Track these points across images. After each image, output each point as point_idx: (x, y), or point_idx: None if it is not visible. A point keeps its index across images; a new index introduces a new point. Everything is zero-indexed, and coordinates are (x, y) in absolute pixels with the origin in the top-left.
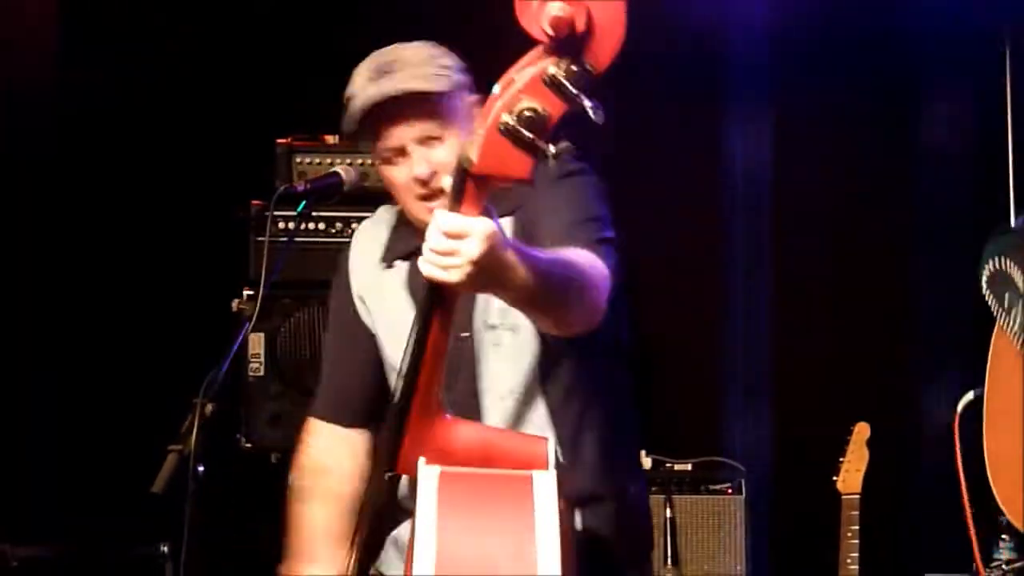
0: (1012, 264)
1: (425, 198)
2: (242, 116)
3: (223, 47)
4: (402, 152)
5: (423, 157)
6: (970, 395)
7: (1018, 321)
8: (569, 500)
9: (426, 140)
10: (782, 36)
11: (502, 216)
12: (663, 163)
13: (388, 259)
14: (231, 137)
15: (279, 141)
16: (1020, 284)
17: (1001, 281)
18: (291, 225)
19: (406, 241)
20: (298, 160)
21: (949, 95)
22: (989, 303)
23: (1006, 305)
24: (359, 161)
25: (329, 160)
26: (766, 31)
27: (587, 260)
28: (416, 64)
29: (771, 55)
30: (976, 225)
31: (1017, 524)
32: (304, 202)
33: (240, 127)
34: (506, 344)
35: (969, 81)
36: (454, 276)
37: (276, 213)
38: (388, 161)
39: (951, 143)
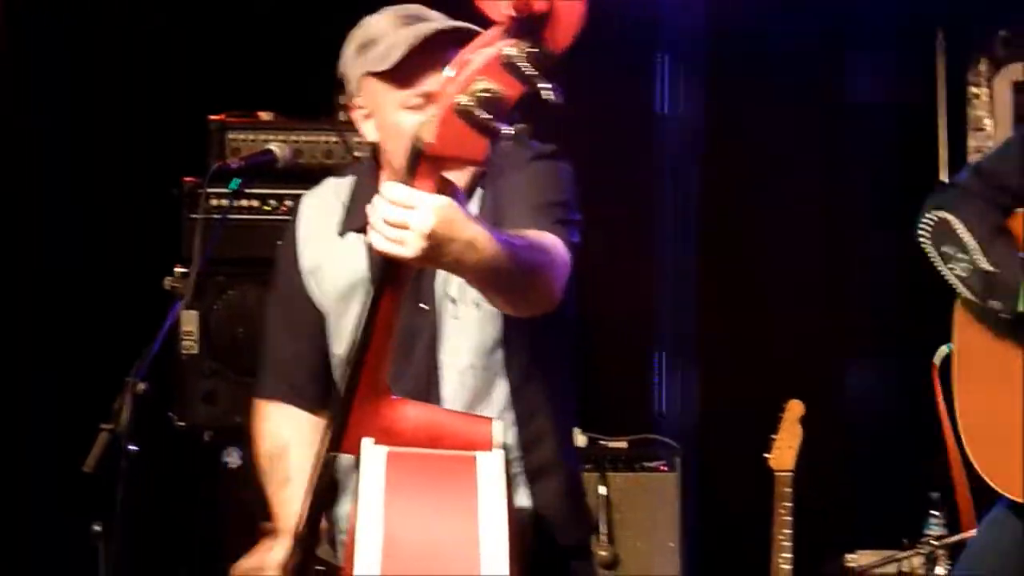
0: (948, 214)
1: None
2: (176, 93)
3: (157, 23)
4: (431, 98)
5: None
6: (945, 349)
7: (958, 273)
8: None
9: None
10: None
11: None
12: (593, 128)
13: (345, 230)
14: (165, 114)
15: (212, 118)
16: (961, 235)
17: (941, 233)
18: (225, 202)
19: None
20: (231, 137)
21: (878, 65)
22: (929, 255)
23: (945, 255)
24: (293, 138)
25: (263, 137)
26: None
27: (549, 242)
28: (443, 16)
29: (706, 16)
30: (905, 192)
31: (1007, 492)
32: (238, 179)
33: (174, 104)
34: (467, 318)
35: (893, 53)
36: (406, 249)
37: (209, 190)
38: (413, 108)
39: (880, 111)
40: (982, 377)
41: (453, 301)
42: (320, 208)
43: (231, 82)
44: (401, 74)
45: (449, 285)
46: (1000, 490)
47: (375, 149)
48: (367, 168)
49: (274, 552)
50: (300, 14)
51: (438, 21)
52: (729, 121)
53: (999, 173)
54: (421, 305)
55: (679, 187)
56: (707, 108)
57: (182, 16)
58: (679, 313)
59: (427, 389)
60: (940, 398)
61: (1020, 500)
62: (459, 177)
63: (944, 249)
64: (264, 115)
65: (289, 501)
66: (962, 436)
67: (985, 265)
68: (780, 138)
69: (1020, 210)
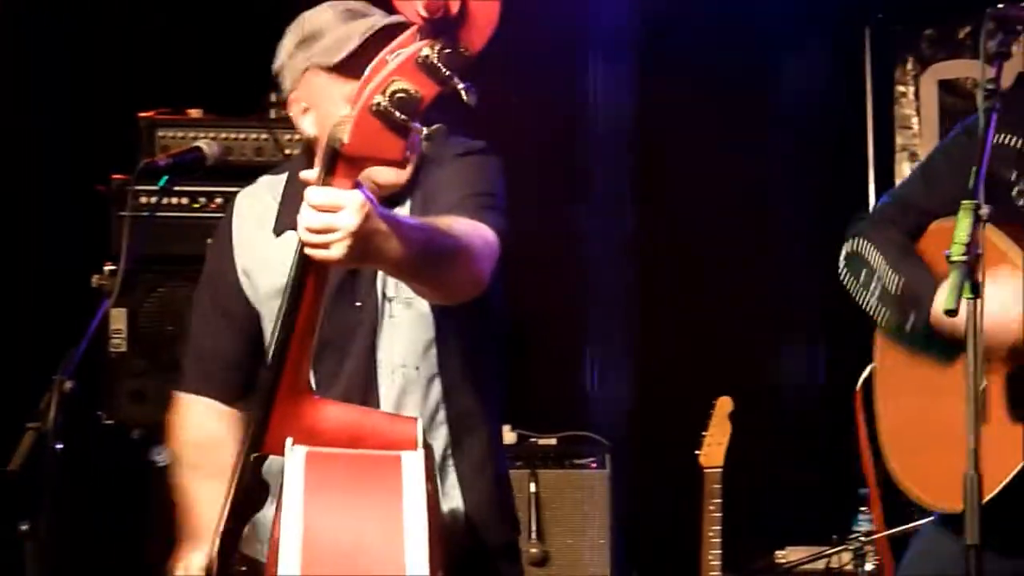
0: (867, 244)
1: None
2: (106, 90)
3: (87, 19)
4: None
5: None
6: (868, 370)
7: (873, 299)
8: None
9: None
10: None
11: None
12: (523, 119)
13: (279, 229)
14: (94, 111)
15: (141, 115)
16: (871, 260)
17: (855, 263)
18: (153, 200)
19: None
20: (161, 134)
21: (807, 62)
22: (849, 289)
23: (862, 283)
24: (222, 135)
25: (192, 134)
26: None
27: (469, 226)
28: (382, 12)
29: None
30: (834, 191)
31: (926, 501)
32: (166, 176)
33: (103, 101)
34: (401, 317)
35: (822, 50)
36: (335, 251)
37: (138, 188)
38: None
39: (810, 108)
40: (903, 397)
41: (388, 299)
42: (255, 206)
43: (161, 79)
44: (349, 68)
45: (385, 284)
46: (928, 506)
47: (308, 145)
48: (301, 164)
49: (194, 557)
50: (231, 11)
51: (379, 16)
52: (659, 111)
53: (910, 198)
54: (356, 304)
55: (609, 179)
56: (636, 98)
57: (111, 13)
58: (610, 308)
59: (364, 388)
60: (861, 421)
61: (949, 511)
62: (404, 174)
63: (860, 278)
64: (194, 112)
65: (203, 498)
66: (886, 455)
67: (893, 286)
68: (709, 130)
69: (934, 224)
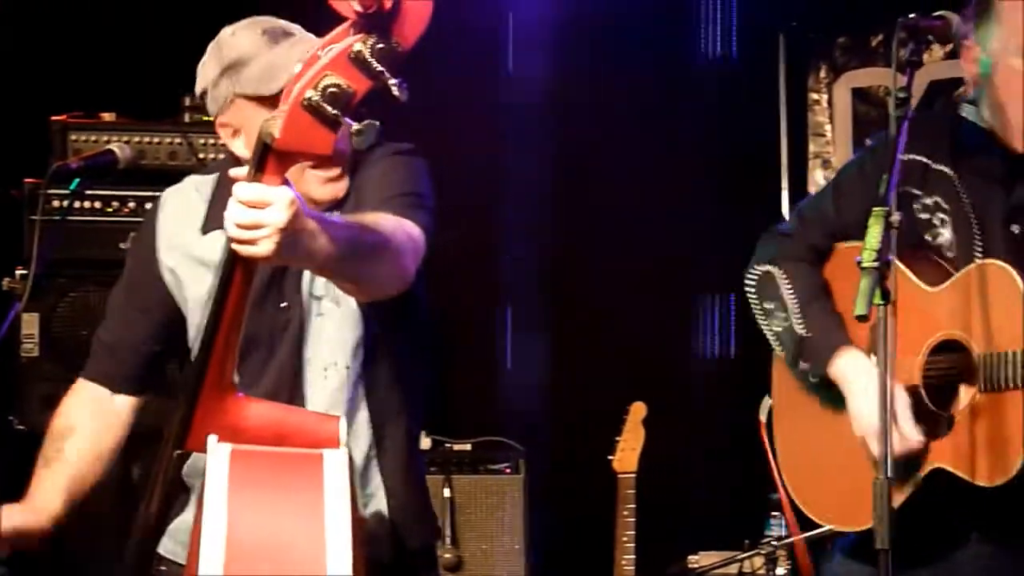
0: (774, 268)
1: None
2: (17, 93)
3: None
4: None
5: None
6: (768, 400)
7: (774, 329)
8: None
9: None
10: None
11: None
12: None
13: (207, 228)
14: (6, 114)
15: (53, 118)
16: (783, 293)
17: (764, 287)
18: (65, 203)
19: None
20: (73, 138)
21: (722, 69)
22: (753, 307)
23: (765, 309)
24: (135, 139)
25: (105, 138)
26: None
27: (394, 223)
28: (300, 28)
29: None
30: (747, 197)
31: (823, 521)
32: (78, 180)
33: (15, 104)
34: (330, 316)
35: (738, 56)
36: (263, 248)
37: (50, 191)
38: None
39: (724, 113)
40: (799, 427)
41: (317, 299)
42: (182, 205)
43: (74, 83)
44: (278, 96)
45: (313, 284)
46: (829, 526)
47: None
48: (230, 165)
49: (10, 513)
50: (145, 14)
51: (299, 34)
52: (576, 112)
53: (821, 214)
54: (282, 304)
55: (529, 187)
56: (554, 98)
57: (24, 15)
58: (525, 315)
59: (291, 387)
60: (767, 444)
61: (846, 529)
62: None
63: (766, 305)
64: (107, 116)
65: (44, 481)
66: (786, 483)
67: (800, 329)
68: (625, 135)
69: (841, 244)
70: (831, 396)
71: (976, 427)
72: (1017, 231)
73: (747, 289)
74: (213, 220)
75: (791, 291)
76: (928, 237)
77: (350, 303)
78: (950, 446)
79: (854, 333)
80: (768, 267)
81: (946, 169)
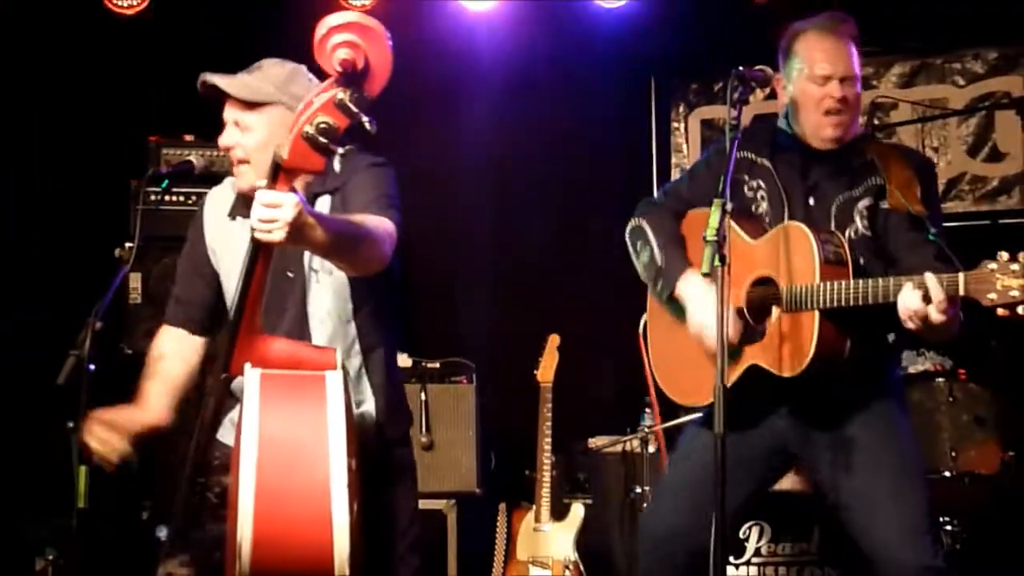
0: (644, 221)
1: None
2: (127, 119)
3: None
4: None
5: (229, 132)
6: (644, 317)
7: (643, 262)
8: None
9: (236, 123)
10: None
11: (326, 193)
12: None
13: (233, 214)
14: (117, 135)
15: (150, 138)
16: (649, 236)
17: (637, 233)
18: (159, 197)
19: (245, 204)
20: (164, 152)
21: (611, 102)
22: (629, 248)
23: (638, 250)
24: (208, 153)
25: (186, 152)
26: None
27: (375, 221)
28: (252, 73)
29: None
30: (628, 195)
31: (678, 400)
32: (167, 181)
33: (125, 127)
34: (324, 282)
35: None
36: (276, 235)
37: (148, 189)
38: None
39: (609, 136)
40: (662, 335)
41: (315, 271)
42: (219, 200)
43: (167, 113)
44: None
45: (312, 260)
46: (683, 404)
47: None
48: None
49: (132, 413)
50: (215, 62)
51: (242, 76)
52: (506, 141)
53: (679, 191)
54: (288, 273)
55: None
56: (496, 128)
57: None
58: (479, 280)
59: (300, 330)
60: (643, 349)
61: (687, 404)
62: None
63: (637, 246)
64: (188, 136)
65: (150, 388)
66: (656, 375)
67: (659, 260)
68: (543, 152)
69: (691, 210)
70: (678, 309)
71: (780, 336)
72: (812, 203)
73: (626, 236)
74: (237, 209)
75: (654, 235)
76: (754, 208)
77: (339, 272)
78: (761, 348)
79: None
80: (639, 220)
81: (766, 162)
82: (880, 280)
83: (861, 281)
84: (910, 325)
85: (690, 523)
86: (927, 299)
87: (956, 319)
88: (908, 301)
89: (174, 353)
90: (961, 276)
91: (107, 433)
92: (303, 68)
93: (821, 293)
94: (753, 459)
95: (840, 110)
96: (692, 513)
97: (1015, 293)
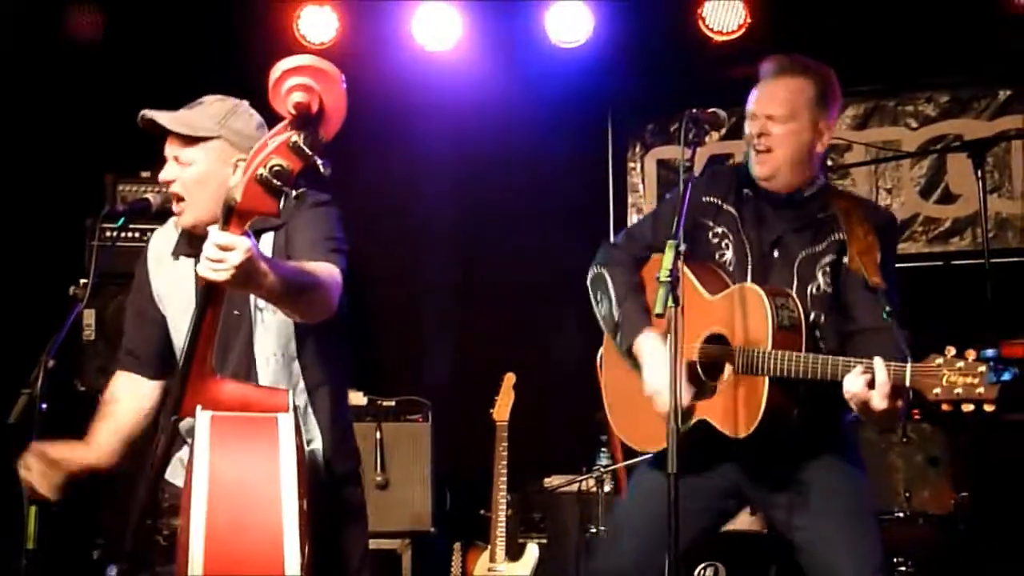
0: (604, 270)
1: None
2: (77, 154)
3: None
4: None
5: (169, 167)
6: (601, 350)
7: (602, 314)
8: (316, 424)
9: (175, 158)
10: None
11: (269, 230)
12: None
13: (176, 254)
14: (72, 172)
15: (107, 175)
16: (609, 288)
17: (597, 282)
18: (114, 234)
19: (188, 243)
20: (120, 188)
21: (573, 143)
22: (591, 296)
23: (598, 300)
24: (163, 190)
25: (143, 188)
26: None
27: (323, 269)
28: (193, 108)
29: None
30: (585, 230)
31: (631, 445)
32: (123, 218)
33: (79, 164)
34: (268, 320)
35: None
36: (221, 276)
37: (103, 225)
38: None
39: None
40: (619, 374)
41: (260, 309)
42: (162, 240)
43: (121, 148)
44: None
45: (257, 299)
46: (636, 449)
47: None
48: None
49: (74, 450)
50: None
51: (185, 112)
52: (471, 174)
53: (643, 232)
54: (235, 312)
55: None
56: (458, 161)
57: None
58: (439, 319)
59: (246, 370)
60: (601, 385)
61: (640, 450)
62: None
63: (598, 295)
64: (144, 173)
65: (99, 429)
66: (610, 416)
67: (616, 316)
68: (510, 186)
69: (655, 255)
70: (635, 363)
71: (732, 395)
72: (776, 255)
73: (588, 284)
74: (180, 247)
75: (613, 287)
76: (717, 255)
77: (282, 313)
78: (710, 405)
79: (656, 321)
80: (600, 269)
81: (732, 210)
82: (830, 359)
83: (811, 356)
84: (852, 406)
85: (638, 564)
86: (871, 385)
87: (897, 412)
88: (852, 385)
89: (127, 397)
90: (908, 368)
91: (40, 465)
92: (245, 103)
93: (773, 361)
94: (706, 499)
95: (766, 148)
96: (640, 554)
97: (959, 391)
